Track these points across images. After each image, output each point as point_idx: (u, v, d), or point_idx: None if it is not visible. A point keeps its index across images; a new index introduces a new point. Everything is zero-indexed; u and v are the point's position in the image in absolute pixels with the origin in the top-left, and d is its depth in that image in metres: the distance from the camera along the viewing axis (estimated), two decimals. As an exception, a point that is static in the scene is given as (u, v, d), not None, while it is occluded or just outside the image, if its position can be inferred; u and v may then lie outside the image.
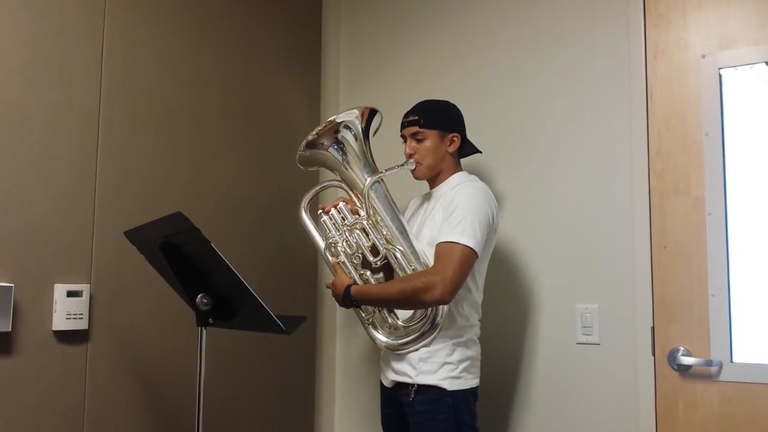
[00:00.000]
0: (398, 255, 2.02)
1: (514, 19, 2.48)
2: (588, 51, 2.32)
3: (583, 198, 2.28)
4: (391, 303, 2.04)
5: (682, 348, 2.10)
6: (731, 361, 2.03)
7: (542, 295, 2.33)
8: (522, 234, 2.38)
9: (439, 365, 1.98)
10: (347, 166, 2.15)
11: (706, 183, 2.09)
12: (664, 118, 2.18)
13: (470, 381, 2.02)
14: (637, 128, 2.20)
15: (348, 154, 2.15)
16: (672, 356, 2.10)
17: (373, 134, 2.22)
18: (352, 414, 2.73)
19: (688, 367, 2.08)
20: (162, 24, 2.28)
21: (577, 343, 2.25)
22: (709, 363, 2.04)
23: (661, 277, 2.14)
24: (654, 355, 2.13)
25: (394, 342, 2.04)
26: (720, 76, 2.11)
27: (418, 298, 1.91)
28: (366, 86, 2.83)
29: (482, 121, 2.40)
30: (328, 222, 2.16)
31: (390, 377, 2.08)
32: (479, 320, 2.10)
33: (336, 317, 2.79)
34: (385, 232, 2.06)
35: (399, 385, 2.05)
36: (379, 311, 2.09)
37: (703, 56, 2.14)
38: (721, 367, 2.03)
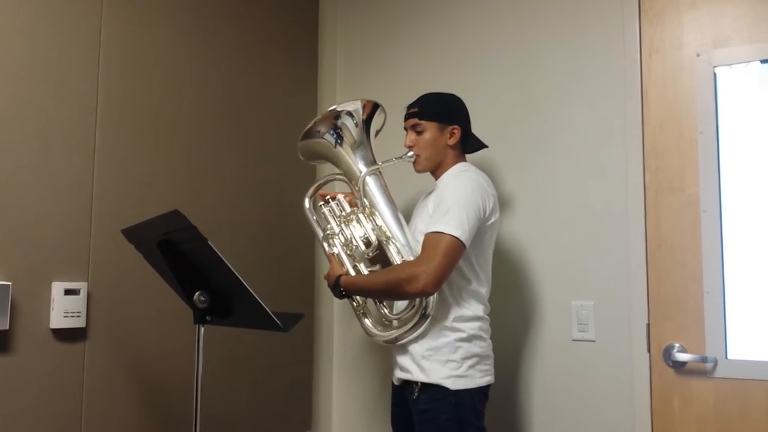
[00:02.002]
0: (392, 248, 2.03)
1: (509, 17, 2.49)
2: (582, 49, 2.33)
3: (578, 196, 2.29)
4: (377, 294, 2.03)
5: (677, 345, 2.11)
6: (726, 358, 2.04)
7: (538, 292, 2.34)
8: (517, 231, 2.39)
9: (442, 363, 1.94)
10: (345, 157, 2.16)
11: (701, 181, 2.10)
12: (658, 117, 2.19)
13: (477, 380, 1.96)
14: (632, 126, 2.21)
15: (345, 143, 2.16)
16: (667, 353, 2.12)
17: (376, 134, 2.22)
18: (350, 410, 2.74)
19: (683, 363, 2.09)
20: (159, 22, 2.28)
21: (573, 340, 2.26)
22: (704, 360, 2.06)
23: (657, 274, 2.15)
24: (649, 351, 2.14)
25: (385, 334, 2.01)
26: (715, 74, 2.12)
27: (400, 290, 1.89)
28: (363, 83, 2.84)
29: (476, 119, 2.40)
30: (327, 214, 2.19)
31: (397, 375, 2.06)
32: (487, 314, 2.04)
33: (333, 313, 2.80)
34: (379, 223, 2.07)
35: (405, 383, 2.03)
36: (374, 303, 2.08)
37: (698, 55, 2.15)
38: (716, 364, 2.05)
